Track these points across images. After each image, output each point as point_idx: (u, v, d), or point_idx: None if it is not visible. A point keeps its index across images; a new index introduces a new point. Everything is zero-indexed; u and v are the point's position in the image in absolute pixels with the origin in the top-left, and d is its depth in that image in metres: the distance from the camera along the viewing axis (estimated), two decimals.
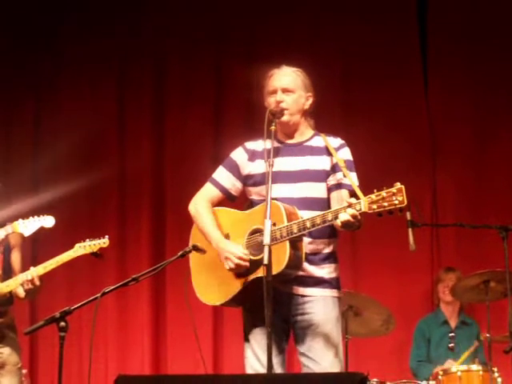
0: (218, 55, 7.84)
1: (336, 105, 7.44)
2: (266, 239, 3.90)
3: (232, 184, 4.49)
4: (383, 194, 3.92)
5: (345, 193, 4.26)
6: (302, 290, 4.27)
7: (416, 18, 7.55)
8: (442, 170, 7.42)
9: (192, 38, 7.79)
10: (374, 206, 3.94)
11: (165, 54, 7.94)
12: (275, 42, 7.46)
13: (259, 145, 4.42)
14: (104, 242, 5.10)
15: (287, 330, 4.35)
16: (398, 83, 7.54)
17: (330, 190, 4.33)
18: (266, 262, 3.86)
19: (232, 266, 4.23)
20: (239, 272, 4.24)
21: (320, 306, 4.27)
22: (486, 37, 7.40)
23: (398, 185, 3.92)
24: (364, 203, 3.96)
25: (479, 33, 7.43)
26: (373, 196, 3.95)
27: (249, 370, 4.32)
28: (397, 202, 3.90)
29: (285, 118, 4.37)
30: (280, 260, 4.08)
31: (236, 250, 4.24)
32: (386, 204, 3.91)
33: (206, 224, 4.42)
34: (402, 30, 7.55)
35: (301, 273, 4.23)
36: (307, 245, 4.24)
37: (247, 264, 4.20)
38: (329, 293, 4.31)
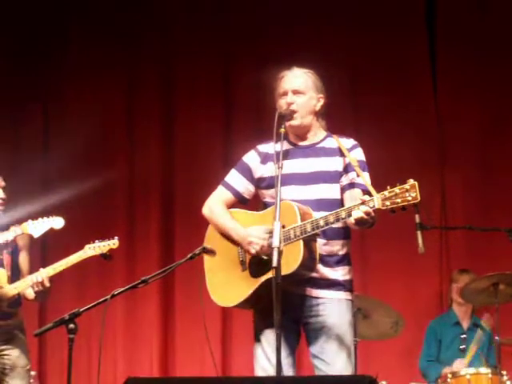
0: (226, 56, 7.85)
1: (345, 108, 7.43)
2: (275, 241, 3.88)
3: (245, 187, 4.47)
4: (396, 190, 3.91)
5: (358, 192, 4.22)
6: (315, 292, 4.25)
7: (425, 22, 7.57)
8: (450, 172, 7.41)
9: (200, 39, 7.80)
10: (388, 203, 3.91)
11: (173, 55, 7.95)
12: (284, 45, 7.45)
13: (271, 147, 4.36)
14: (114, 243, 5.11)
15: (298, 330, 4.34)
16: (407, 86, 7.55)
17: (343, 190, 4.30)
18: (275, 264, 3.84)
19: (257, 248, 4.20)
20: (263, 255, 4.19)
21: (334, 308, 4.25)
22: (494, 40, 7.40)
23: (411, 181, 3.90)
24: (377, 200, 3.94)
25: (487, 36, 7.42)
26: (386, 192, 3.93)
27: (258, 370, 4.30)
28: (410, 198, 3.87)
29: (295, 122, 4.35)
30: (294, 260, 4.06)
31: (259, 233, 4.22)
32: (399, 200, 3.89)
33: (222, 219, 4.40)
34: (411, 33, 7.56)
35: (314, 274, 4.21)
36: (322, 246, 4.22)
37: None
38: (343, 295, 4.30)
